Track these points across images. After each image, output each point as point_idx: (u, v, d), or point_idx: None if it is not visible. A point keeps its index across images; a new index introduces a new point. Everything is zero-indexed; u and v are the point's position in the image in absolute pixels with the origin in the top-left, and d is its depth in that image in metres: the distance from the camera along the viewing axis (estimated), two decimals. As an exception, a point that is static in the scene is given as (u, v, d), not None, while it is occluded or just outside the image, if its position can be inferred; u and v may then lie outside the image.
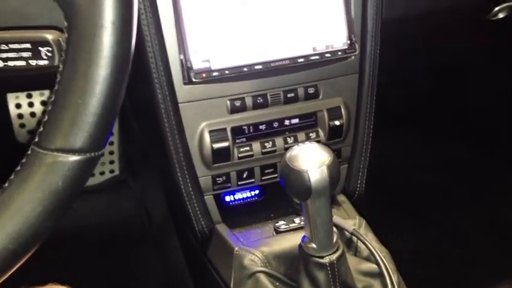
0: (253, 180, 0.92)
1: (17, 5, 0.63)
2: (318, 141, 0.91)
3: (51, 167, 0.49)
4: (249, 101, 0.87)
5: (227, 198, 0.95)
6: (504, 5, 1.13)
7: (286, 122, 0.90)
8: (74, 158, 0.50)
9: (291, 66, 0.86)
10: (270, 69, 0.85)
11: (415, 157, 1.78)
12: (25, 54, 0.56)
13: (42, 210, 0.49)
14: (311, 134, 0.91)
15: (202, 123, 0.86)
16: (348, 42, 0.89)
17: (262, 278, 0.75)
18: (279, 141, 0.90)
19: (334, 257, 0.69)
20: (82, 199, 0.54)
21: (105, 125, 0.51)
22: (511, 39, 1.44)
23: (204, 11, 0.81)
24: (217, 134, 0.86)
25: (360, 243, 0.80)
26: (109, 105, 0.50)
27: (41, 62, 0.56)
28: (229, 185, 0.91)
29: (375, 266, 0.77)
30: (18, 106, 1.39)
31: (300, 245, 0.71)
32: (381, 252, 0.77)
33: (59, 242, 0.86)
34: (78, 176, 0.50)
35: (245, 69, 0.84)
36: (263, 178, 0.92)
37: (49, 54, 0.56)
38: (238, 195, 0.96)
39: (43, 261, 0.68)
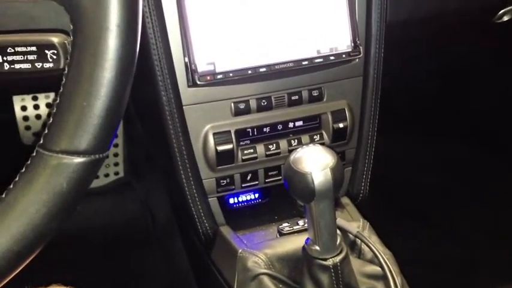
0: (257, 182, 0.92)
1: (23, 9, 0.63)
2: (322, 144, 0.91)
3: (56, 168, 0.50)
4: (253, 104, 0.87)
5: (231, 201, 0.96)
6: (509, 7, 1.13)
7: (290, 125, 0.90)
8: (79, 159, 0.50)
9: (295, 68, 0.87)
10: (274, 72, 0.86)
11: (415, 157, 1.78)
12: (31, 57, 0.56)
13: (46, 211, 0.49)
14: (315, 137, 0.91)
15: (207, 126, 0.86)
16: (352, 44, 0.89)
17: (266, 280, 0.75)
18: (283, 143, 0.90)
19: (337, 259, 0.69)
20: (86, 201, 0.55)
21: (109, 127, 0.51)
22: (515, 42, 1.44)
23: (209, 14, 0.81)
24: (222, 136, 0.86)
25: (363, 246, 0.80)
26: (114, 108, 0.51)
27: (47, 65, 0.56)
28: (233, 187, 0.91)
29: (378, 269, 0.77)
30: (23, 108, 1.40)
31: (303, 247, 0.71)
32: (384, 255, 0.77)
33: (63, 244, 0.86)
34: (83, 178, 0.51)
35: (249, 71, 0.84)
36: (267, 180, 0.92)
37: (55, 57, 0.56)
38: (242, 198, 0.96)
39: (47, 262, 0.69)
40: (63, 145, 0.49)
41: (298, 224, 0.86)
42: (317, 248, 0.69)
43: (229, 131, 0.86)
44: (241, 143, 0.88)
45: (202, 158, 0.87)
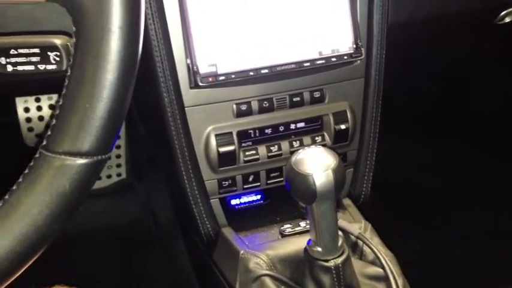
0: (258, 183, 0.92)
1: (26, 10, 0.64)
2: (324, 145, 0.91)
3: (58, 170, 0.50)
4: (255, 105, 0.87)
5: (233, 202, 0.96)
6: (510, 9, 1.13)
7: (292, 126, 0.90)
8: (81, 161, 0.50)
9: (297, 70, 0.87)
10: (276, 74, 0.86)
11: (416, 159, 1.78)
12: (34, 59, 0.56)
13: (49, 213, 0.50)
14: (317, 138, 0.91)
15: (209, 127, 0.86)
16: (354, 46, 0.89)
17: (268, 281, 0.75)
18: (285, 145, 0.90)
19: (339, 260, 0.69)
20: (89, 202, 0.55)
21: (112, 128, 0.51)
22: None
23: (210, 15, 0.81)
24: (223, 137, 0.86)
25: (365, 247, 0.80)
26: (116, 109, 0.51)
27: (50, 67, 0.57)
28: (235, 188, 0.91)
29: (380, 270, 0.77)
30: (26, 110, 1.40)
31: (305, 249, 0.71)
32: (386, 256, 0.77)
33: (66, 245, 0.87)
34: (85, 179, 0.51)
35: (251, 73, 0.84)
36: (269, 182, 0.92)
37: (57, 58, 0.56)
38: (244, 199, 0.96)
39: (49, 263, 0.69)
40: (66, 146, 0.50)
41: (299, 226, 0.87)
42: (319, 249, 0.69)
43: (231, 133, 0.87)
44: (243, 145, 0.88)
45: (204, 160, 0.88)
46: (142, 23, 0.53)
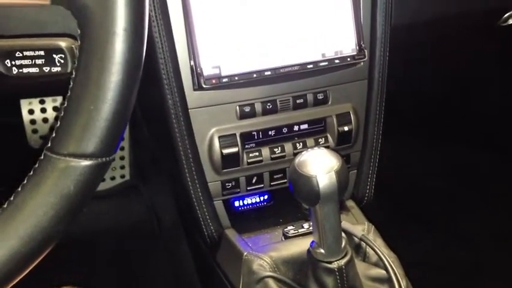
0: (262, 185, 0.92)
1: (31, 13, 0.64)
2: (327, 147, 0.91)
3: (63, 171, 0.50)
4: (258, 107, 0.87)
5: (236, 204, 0.96)
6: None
7: (295, 128, 0.90)
8: (86, 162, 0.50)
9: (300, 72, 0.87)
10: (280, 75, 0.86)
11: (420, 161, 1.78)
12: (39, 61, 0.57)
13: (54, 214, 0.50)
14: (320, 140, 0.92)
15: (212, 129, 0.86)
16: (357, 48, 0.89)
17: (271, 283, 0.75)
18: (288, 146, 0.90)
19: (342, 262, 0.69)
20: (93, 204, 0.55)
21: (116, 130, 0.51)
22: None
23: (214, 17, 0.82)
24: (227, 139, 0.87)
25: (368, 249, 0.80)
26: (120, 111, 0.51)
27: (54, 69, 0.57)
28: (239, 190, 0.91)
29: (383, 272, 0.77)
30: (31, 112, 1.41)
31: (308, 250, 0.71)
32: (389, 258, 0.77)
33: (70, 246, 0.87)
34: (90, 181, 0.51)
35: (255, 75, 0.85)
36: (272, 183, 0.92)
37: (62, 61, 0.57)
38: (248, 200, 0.97)
39: (54, 264, 0.69)
40: (71, 148, 0.50)
41: (303, 227, 0.87)
42: (322, 251, 0.69)
43: (235, 134, 0.87)
44: (246, 146, 0.89)
45: (207, 161, 0.88)
46: (147, 25, 0.53)
